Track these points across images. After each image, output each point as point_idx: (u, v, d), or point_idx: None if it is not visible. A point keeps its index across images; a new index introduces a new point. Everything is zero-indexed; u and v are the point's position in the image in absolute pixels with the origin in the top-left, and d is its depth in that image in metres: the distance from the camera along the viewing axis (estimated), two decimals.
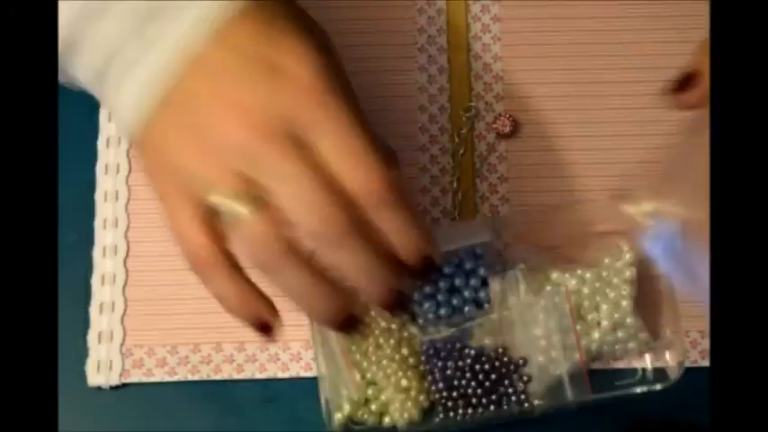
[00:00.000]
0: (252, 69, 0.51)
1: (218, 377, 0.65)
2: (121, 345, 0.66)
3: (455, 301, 0.63)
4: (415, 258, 0.53)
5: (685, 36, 0.69)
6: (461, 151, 0.69)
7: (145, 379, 0.65)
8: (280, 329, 0.56)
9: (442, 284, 0.63)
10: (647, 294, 0.64)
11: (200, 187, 0.51)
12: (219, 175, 0.50)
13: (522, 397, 0.62)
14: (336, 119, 0.51)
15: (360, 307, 0.55)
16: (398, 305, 0.55)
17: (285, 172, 0.50)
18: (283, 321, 0.65)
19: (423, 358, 0.63)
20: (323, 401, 0.62)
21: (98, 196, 0.68)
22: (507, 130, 0.68)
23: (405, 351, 0.63)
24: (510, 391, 0.62)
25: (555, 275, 0.64)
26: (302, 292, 0.53)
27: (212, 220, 0.51)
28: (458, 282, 0.63)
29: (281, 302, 0.65)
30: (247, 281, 0.53)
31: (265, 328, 0.55)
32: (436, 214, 0.68)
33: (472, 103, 0.70)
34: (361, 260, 0.51)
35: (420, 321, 0.63)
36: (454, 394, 0.62)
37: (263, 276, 0.53)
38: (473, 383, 0.62)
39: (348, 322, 0.55)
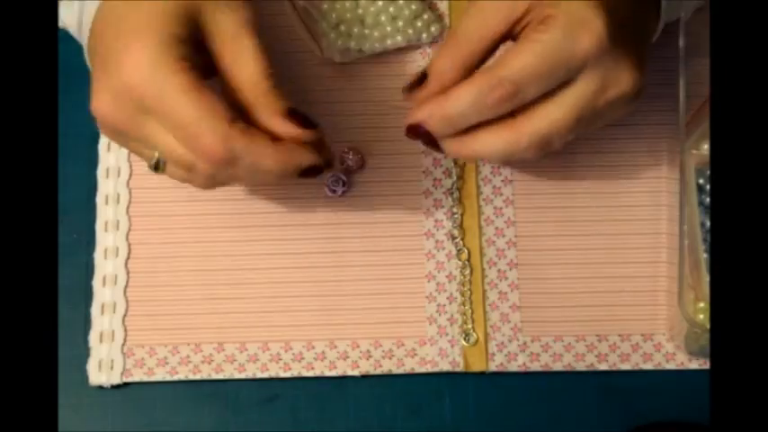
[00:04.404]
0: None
1: (219, 377, 0.65)
2: (123, 344, 0.66)
3: None
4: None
5: None
6: None
7: (146, 378, 0.65)
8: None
9: None
10: None
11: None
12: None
13: None
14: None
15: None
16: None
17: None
18: (283, 322, 0.66)
19: None
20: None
21: (99, 199, 0.69)
22: None
23: None
24: None
25: None
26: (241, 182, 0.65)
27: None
28: None
29: (282, 302, 0.66)
30: None
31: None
32: (439, 216, 0.68)
33: None
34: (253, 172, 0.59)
35: None
36: None
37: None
38: None
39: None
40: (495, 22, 0.58)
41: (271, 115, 0.58)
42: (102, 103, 0.58)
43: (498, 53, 0.59)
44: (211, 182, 0.60)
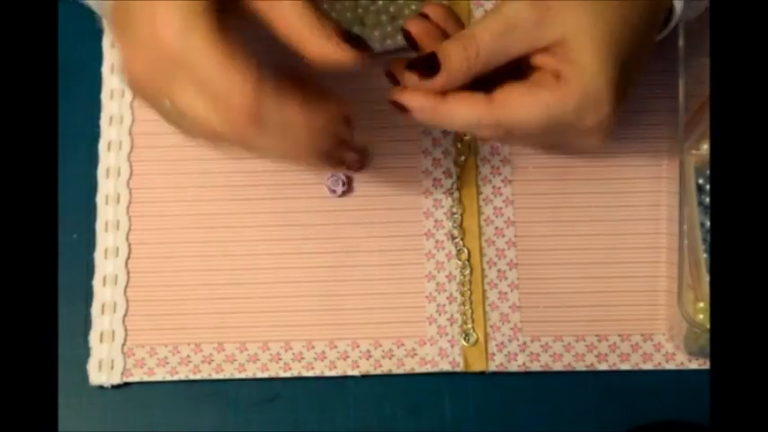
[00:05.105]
0: None
1: (219, 377, 0.66)
2: (123, 344, 0.66)
3: None
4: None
5: None
6: (463, 157, 0.69)
7: (146, 378, 0.66)
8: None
9: None
10: None
11: None
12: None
13: None
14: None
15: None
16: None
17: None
18: (283, 322, 0.66)
19: None
20: None
21: (99, 199, 0.69)
22: None
23: None
24: None
25: None
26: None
27: None
28: None
29: (282, 302, 0.66)
30: None
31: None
32: (439, 217, 0.68)
33: None
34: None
35: None
36: None
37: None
38: None
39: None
40: (522, 46, 0.58)
41: (326, 41, 0.56)
42: (133, 63, 0.57)
43: None
44: (236, 149, 0.59)
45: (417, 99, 0.59)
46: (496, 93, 0.58)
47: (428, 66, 0.59)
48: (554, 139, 0.62)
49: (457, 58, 0.58)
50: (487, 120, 0.58)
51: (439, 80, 0.59)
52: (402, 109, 0.60)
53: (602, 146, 0.61)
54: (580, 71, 0.57)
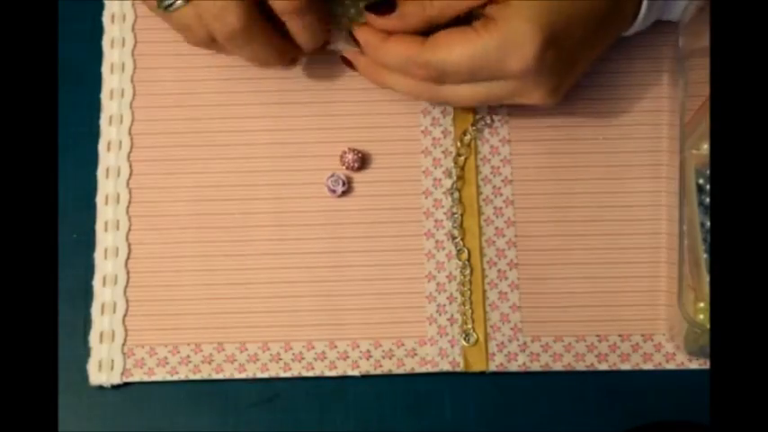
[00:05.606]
0: None
1: (219, 377, 0.65)
2: (123, 344, 0.66)
3: None
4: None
5: None
6: (463, 157, 0.69)
7: (146, 378, 0.65)
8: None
9: None
10: None
11: None
12: None
13: None
14: None
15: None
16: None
17: None
18: (283, 322, 0.66)
19: None
20: None
21: (99, 199, 0.69)
22: None
23: None
24: None
25: None
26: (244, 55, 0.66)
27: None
28: None
29: (282, 302, 0.66)
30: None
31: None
32: (439, 216, 0.68)
33: (479, 116, 0.70)
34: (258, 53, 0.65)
35: None
36: None
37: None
38: None
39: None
40: None
41: None
42: None
43: None
44: (209, 45, 0.65)
45: (365, 34, 0.64)
46: (432, 35, 0.62)
47: (385, 5, 0.63)
48: (493, 91, 0.63)
49: (413, 3, 0.62)
50: (417, 58, 0.61)
51: (392, 19, 0.63)
52: (349, 64, 0.67)
53: (548, 103, 0.63)
54: (506, 11, 0.59)
